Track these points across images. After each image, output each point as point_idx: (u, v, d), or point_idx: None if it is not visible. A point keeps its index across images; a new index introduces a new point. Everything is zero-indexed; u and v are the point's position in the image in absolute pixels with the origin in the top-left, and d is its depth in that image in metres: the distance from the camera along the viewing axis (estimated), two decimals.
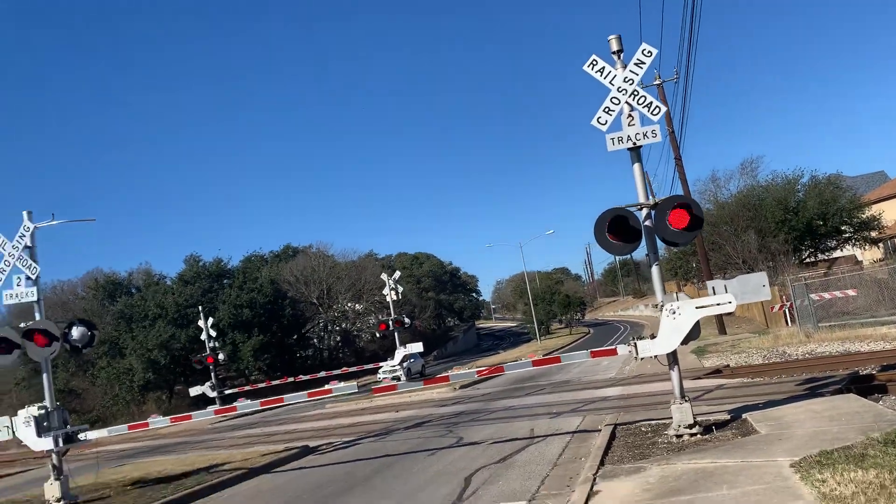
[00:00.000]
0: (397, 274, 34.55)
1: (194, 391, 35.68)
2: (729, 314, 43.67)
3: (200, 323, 37.85)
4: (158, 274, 62.52)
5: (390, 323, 31.77)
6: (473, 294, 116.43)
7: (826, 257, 49.78)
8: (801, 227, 44.16)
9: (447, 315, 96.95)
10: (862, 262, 51.14)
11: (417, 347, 32.97)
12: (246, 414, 31.13)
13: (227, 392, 36.48)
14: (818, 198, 45.00)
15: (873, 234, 48.18)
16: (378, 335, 66.64)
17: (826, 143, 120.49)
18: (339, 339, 69.93)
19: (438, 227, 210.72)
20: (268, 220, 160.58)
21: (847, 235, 48.00)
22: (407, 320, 32.52)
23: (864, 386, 12.50)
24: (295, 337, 64.10)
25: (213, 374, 36.01)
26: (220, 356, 36.75)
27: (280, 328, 59.69)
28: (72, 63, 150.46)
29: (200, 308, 38.50)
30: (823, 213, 44.93)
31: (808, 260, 47.92)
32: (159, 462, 17.17)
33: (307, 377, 35.09)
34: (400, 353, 32.12)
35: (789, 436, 8.42)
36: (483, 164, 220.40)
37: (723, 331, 33.76)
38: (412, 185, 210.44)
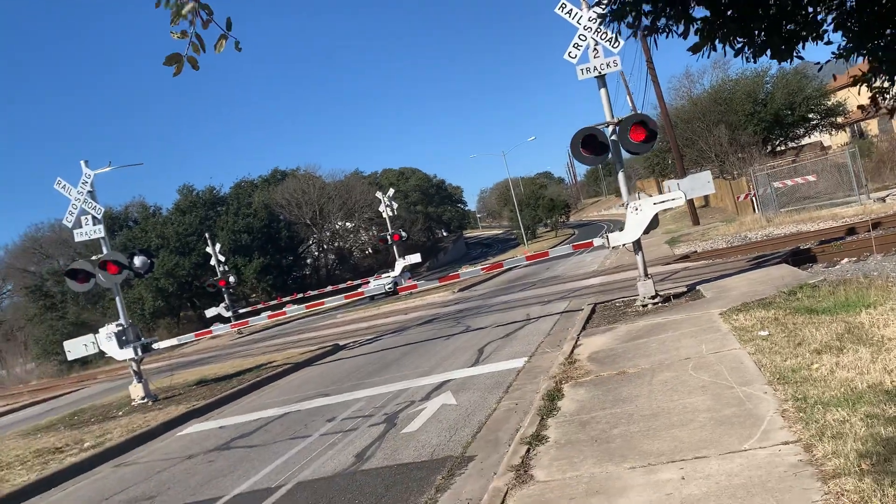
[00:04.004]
0: (391, 191, 36.70)
1: (210, 312, 38.29)
2: (704, 206, 46.48)
3: (208, 249, 40.14)
4: (154, 206, 64.14)
5: (388, 237, 34.21)
6: (460, 205, 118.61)
7: (795, 145, 52.21)
8: (769, 118, 46.32)
9: (436, 227, 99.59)
10: (830, 147, 53.67)
11: (415, 258, 35.58)
12: (293, 319, 33.22)
13: (240, 311, 39.15)
14: (785, 88, 46.96)
15: (839, 119, 50.44)
16: (371, 249, 69.31)
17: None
18: (333, 256, 72.58)
19: (421, 140, 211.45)
20: (254, 146, 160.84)
21: (814, 123, 50.27)
22: (404, 234, 34.99)
23: (799, 258, 15.12)
24: (292, 258, 66.59)
25: (225, 295, 38.55)
26: (231, 279, 39.16)
27: (277, 250, 62.08)
28: None
29: (207, 235, 40.60)
30: (791, 102, 47.01)
31: (779, 148, 50.36)
32: (207, 369, 19.80)
33: (315, 292, 37.74)
34: (400, 264, 34.69)
35: (726, 297, 11.01)
36: (465, 75, 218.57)
37: (696, 222, 36.38)
38: (394, 100, 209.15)
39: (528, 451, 5.68)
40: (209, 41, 2.42)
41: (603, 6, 3.98)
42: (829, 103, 49.05)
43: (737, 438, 4.90)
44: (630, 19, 3.74)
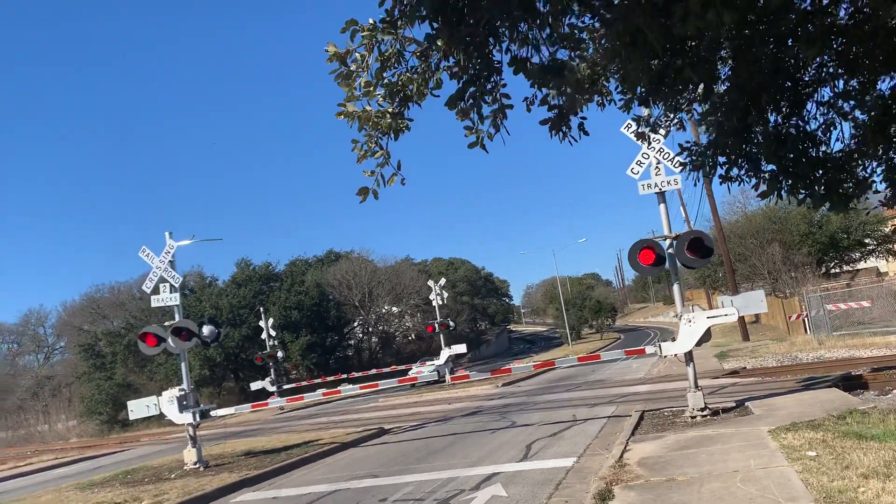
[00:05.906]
0: (443, 281, 37.41)
1: (255, 385, 38.98)
2: (754, 322, 46.03)
3: (260, 323, 41.20)
4: (210, 277, 66.16)
5: (437, 325, 34.73)
6: (505, 298, 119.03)
7: (850, 268, 51.70)
8: (824, 240, 46.26)
9: (480, 319, 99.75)
10: (886, 273, 52.98)
11: (461, 348, 35.82)
12: (344, 398, 33.12)
13: (284, 387, 39.74)
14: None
15: None
16: (414, 336, 69.73)
17: None
18: (377, 339, 73.24)
19: (471, 232, 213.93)
20: (311, 227, 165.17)
21: (871, 248, 49.93)
22: (452, 323, 35.46)
23: (850, 383, 15.11)
24: (336, 337, 67.46)
25: (272, 370, 39.30)
26: (280, 354, 39.98)
27: (325, 329, 63.04)
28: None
29: (262, 309, 41.76)
30: (847, 226, 46.95)
31: (833, 271, 49.93)
32: (254, 441, 20.26)
33: (359, 374, 38.21)
34: (445, 353, 35.01)
35: (775, 415, 11.19)
36: (519, 172, 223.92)
37: (746, 338, 36.10)
38: (449, 191, 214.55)
39: None
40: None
41: (683, 157, 4.65)
42: (886, 230, 48.79)
43: None
44: (707, 169, 4.39)
